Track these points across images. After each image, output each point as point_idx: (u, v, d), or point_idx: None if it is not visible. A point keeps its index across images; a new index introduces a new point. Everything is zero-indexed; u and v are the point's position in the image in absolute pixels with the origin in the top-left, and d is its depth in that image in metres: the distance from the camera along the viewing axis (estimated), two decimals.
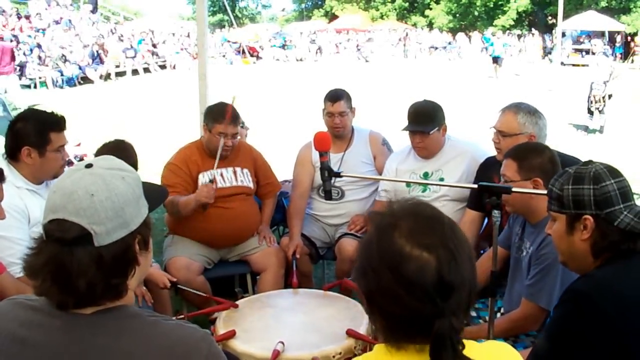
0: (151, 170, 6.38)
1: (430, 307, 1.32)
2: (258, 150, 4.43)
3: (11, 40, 23.96)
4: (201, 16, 5.56)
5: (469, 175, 3.89)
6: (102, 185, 1.48)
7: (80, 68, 24.94)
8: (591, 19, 34.63)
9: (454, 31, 42.67)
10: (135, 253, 1.53)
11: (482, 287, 3.21)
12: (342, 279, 3.81)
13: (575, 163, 2.89)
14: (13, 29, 26.03)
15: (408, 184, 4.07)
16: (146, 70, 29.02)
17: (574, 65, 30.74)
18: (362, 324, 2.86)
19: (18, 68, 22.73)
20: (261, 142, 4.52)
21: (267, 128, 11.89)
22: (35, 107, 3.35)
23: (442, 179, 3.96)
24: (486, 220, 4.02)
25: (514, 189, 2.61)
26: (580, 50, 33.90)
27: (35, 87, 22.54)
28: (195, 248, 4.08)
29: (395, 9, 50.98)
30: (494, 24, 41.60)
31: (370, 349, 1.52)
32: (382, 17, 50.45)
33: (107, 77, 26.08)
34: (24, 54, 23.72)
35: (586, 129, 13.04)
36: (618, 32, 35.44)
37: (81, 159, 9.03)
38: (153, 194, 1.65)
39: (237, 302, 3.26)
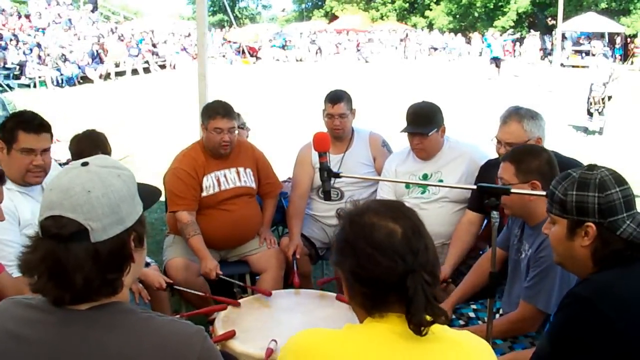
0: (150, 170, 6.39)
1: (402, 265, 1.51)
2: (259, 150, 4.43)
3: (10, 40, 24.01)
4: (201, 16, 5.57)
5: (468, 176, 3.89)
6: (99, 182, 1.50)
7: (79, 67, 24.94)
8: (591, 21, 34.63)
9: (454, 32, 42.66)
10: (131, 249, 1.55)
11: (481, 288, 3.24)
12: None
13: (573, 165, 2.91)
14: (13, 29, 26.02)
15: (407, 185, 4.07)
16: (146, 70, 29.01)
17: (573, 66, 30.76)
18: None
19: (18, 67, 22.80)
20: (261, 142, 4.51)
21: (267, 128, 11.89)
22: (30, 110, 3.29)
23: (441, 181, 3.96)
24: (485, 222, 4.03)
25: (512, 190, 2.61)
26: (580, 52, 33.91)
27: (34, 86, 22.53)
28: None
29: (395, 10, 50.97)
30: (493, 25, 41.57)
31: None
32: (382, 17, 50.44)
33: (107, 76, 26.07)
34: (24, 53, 23.72)
35: (586, 130, 13.06)
36: (618, 34, 35.47)
37: None
38: (147, 193, 1.68)
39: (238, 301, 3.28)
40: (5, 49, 23.45)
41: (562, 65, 29.06)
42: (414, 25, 47.62)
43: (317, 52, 38.39)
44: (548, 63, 32.14)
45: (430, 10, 47.90)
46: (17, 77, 22.75)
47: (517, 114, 3.44)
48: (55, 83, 22.97)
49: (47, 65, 23.60)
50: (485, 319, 2.81)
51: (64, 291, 1.47)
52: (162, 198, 4.11)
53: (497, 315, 3.13)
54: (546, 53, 36.06)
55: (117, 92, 21.81)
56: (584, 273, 2.03)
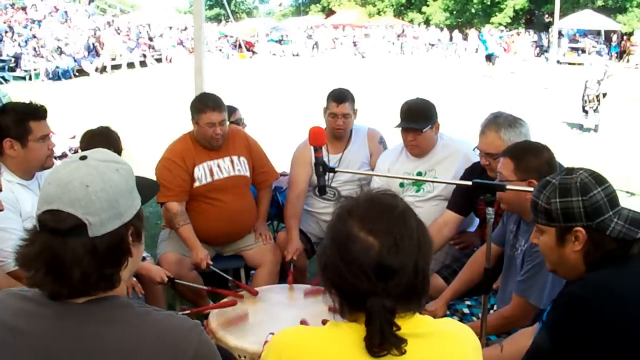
0: (146, 164, 6.36)
1: (366, 285, 1.45)
2: (253, 138, 4.39)
3: (6, 32, 23.91)
4: (198, 10, 5.55)
5: (462, 174, 3.88)
6: (97, 176, 1.50)
7: (75, 60, 24.86)
8: (587, 18, 34.67)
9: (450, 28, 42.66)
10: (129, 244, 1.55)
11: (475, 284, 3.24)
12: None
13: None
14: (9, 21, 25.90)
15: (402, 184, 4.06)
16: (142, 63, 28.95)
17: (570, 63, 30.78)
18: None
19: (13, 59, 22.72)
20: (257, 137, 4.49)
21: (263, 123, 11.86)
22: (12, 101, 3.31)
23: (436, 178, 3.94)
24: (477, 220, 4.02)
25: (508, 187, 2.61)
26: (577, 49, 33.97)
27: (30, 79, 22.47)
28: None
29: (392, 5, 50.98)
30: (490, 21, 41.60)
31: None
32: (379, 13, 50.45)
33: (103, 70, 26.01)
34: (19, 45, 23.64)
35: (581, 127, 13.09)
36: (614, 32, 35.53)
37: (76, 152, 9.00)
38: (145, 187, 1.67)
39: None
40: (0, 40, 23.37)
41: (558, 62, 29.06)
42: (411, 21, 47.68)
43: (313, 47, 38.42)
44: (544, 60, 32.16)
45: (427, 6, 47.92)
46: (12, 70, 22.70)
47: (494, 124, 3.38)
48: (50, 76, 22.88)
49: (42, 57, 23.51)
50: (480, 314, 2.82)
51: (61, 286, 1.47)
52: None
53: (491, 312, 3.14)
54: (542, 50, 36.08)
55: (113, 85, 21.76)
56: (578, 277, 2.02)
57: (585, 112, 13.00)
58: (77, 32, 27.22)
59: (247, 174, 4.21)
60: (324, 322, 2.34)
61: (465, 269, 3.39)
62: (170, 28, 34.70)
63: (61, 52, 24.53)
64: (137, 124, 12.77)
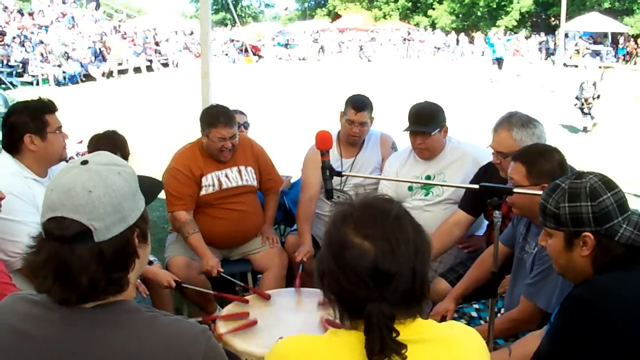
0: (153, 168, 6.38)
1: (363, 291, 1.44)
2: (259, 145, 4.39)
3: (14, 38, 24.03)
4: (204, 14, 5.56)
5: (471, 177, 3.86)
6: (100, 181, 1.49)
7: (82, 65, 24.96)
8: (594, 20, 34.60)
9: (456, 31, 42.63)
10: (135, 246, 1.55)
11: (483, 285, 3.23)
12: None
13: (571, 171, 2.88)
14: (20, 27, 26.04)
15: (410, 187, 4.04)
16: (149, 68, 29.04)
17: (576, 66, 30.72)
18: None
19: (21, 65, 22.83)
20: (263, 141, 4.49)
21: (270, 127, 11.88)
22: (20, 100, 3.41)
23: (444, 182, 3.92)
24: (485, 224, 4.01)
25: (515, 190, 2.60)
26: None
27: (37, 84, 22.57)
28: None
29: (398, 9, 50.96)
30: (496, 24, 41.55)
31: None
32: (384, 16, 50.44)
33: (110, 74, 26.10)
34: (27, 50, 23.75)
35: (585, 129, 13.07)
36: (621, 34, 35.43)
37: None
38: (148, 187, 1.67)
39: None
40: (8, 46, 23.49)
41: (564, 65, 29.01)
42: (417, 25, 47.63)
43: (319, 51, 38.41)
44: (551, 63, 32.09)
45: (433, 9, 47.89)
46: (20, 75, 22.83)
47: (507, 122, 3.37)
48: (57, 81, 22.97)
49: (49, 63, 23.61)
50: (488, 318, 2.81)
51: (70, 292, 1.46)
52: (164, 196, 4.12)
53: (499, 315, 3.13)
54: (549, 53, 36.02)
55: (120, 90, 21.84)
56: (585, 280, 2.01)
57: (585, 114, 13.09)
58: (84, 38, 27.32)
59: (255, 183, 4.22)
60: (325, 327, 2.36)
61: (473, 268, 3.38)
62: (177, 33, 34.78)
63: (68, 58, 24.63)
64: (144, 128, 12.81)
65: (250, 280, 4.31)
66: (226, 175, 4.10)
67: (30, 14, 29.01)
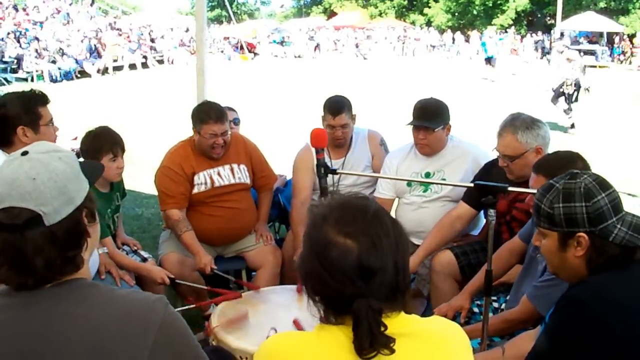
0: (148, 165, 6.37)
1: (350, 288, 1.46)
2: (252, 142, 4.38)
3: (8, 33, 23.94)
4: (200, 11, 5.55)
5: (471, 176, 3.85)
6: (42, 168, 1.53)
7: (77, 62, 24.90)
8: (590, 20, 34.70)
9: (452, 30, 42.66)
10: (85, 225, 1.60)
11: (498, 279, 3.22)
12: None
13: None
14: (19, 23, 25.94)
15: (409, 183, 4.06)
16: (144, 65, 28.98)
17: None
18: None
19: (15, 61, 22.75)
20: (258, 138, 4.49)
21: (265, 124, 11.88)
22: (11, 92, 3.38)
23: (444, 180, 3.94)
24: (482, 223, 4.01)
25: (510, 188, 2.61)
26: (579, 51, 33.91)
27: (32, 80, 22.47)
28: None
29: (394, 7, 51.02)
30: (492, 23, 41.60)
31: None
32: (380, 14, 50.48)
33: (105, 71, 26.03)
34: (21, 46, 23.67)
35: (573, 126, 13.17)
36: (616, 33, 35.52)
37: (77, 153, 9.00)
38: (89, 169, 1.71)
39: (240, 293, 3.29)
40: (2, 42, 23.40)
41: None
42: (413, 23, 47.67)
43: (315, 49, 38.40)
44: (546, 62, 32.14)
45: (429, 7, 47.97)
46: (14, 71, 22.72)
47: (511, 126, 3.39)
48: (52, 77, 22.90)
49: (44, 59, 23.54)
50: (490, 315, 2.81)
51: (26, 277, 1.51)
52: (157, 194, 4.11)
53: (499, 310, 3.13)
54: (544, 52, 36.07)
55: (115, 86, 21.78)
56: (580, 281, 2.01)
57: (568, 110, 13.23)
58: (79, 34, 27.23)
59: (248, 181, 4.21)
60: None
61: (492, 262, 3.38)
62: (172, 29, 34.72)
63: (63, 54, 24.55)
64: (139, 125, 12.78)
65: (244, 278, 4.31)
66: (218, 174, 4.09)
67: (25, 10, 28.89)
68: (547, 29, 39.88)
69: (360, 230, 1.49)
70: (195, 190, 4.05)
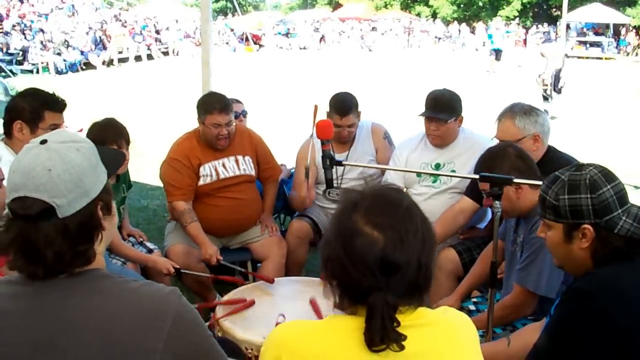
0: (153, 156, 6.39)
1: (370, 280, 1.44)
2: (257, 134, 4.39)
3: (14, 26, 23.96)
4: (205, 3, 5.54)
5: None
6: (58, 159, 1.53)
7: (82, 54, 24.90)
8: (596, 11, 34.52)
9: (457, 21, 42.50)
10: (99, 218, 1.59)
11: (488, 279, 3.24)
12: None
13: (567, 161, 2.89)
14: (24, 15, 25.94)
15: (419, 174, 4.06)
16: (149, 56, 28.97)
17: (578, 57, 30.62)
18: None
19: (21, 52, 22.77)
20: (262, 129, 4.48)
21: (269, 116, 11.88)
22: (38, 88, 3.38)
23: (453, 171, 3.94)
24: (488, 217, 4.01)
25: (515, 180, 2.61)
26: (585, 43, 33.81)
27: (37, 72, 22.50)
28: None
29: None
30: (498, 14, 41.43)
31: None
32: (385, 6, 50.28)
33: (110, 63, 26.03)
34: (27, 38, 23.68)
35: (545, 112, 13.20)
36: (623, 25, 35.33)
37: None
38: (110, 158, 1.71)
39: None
40: (8, 34, 23.42)
41: (566, 56, 28.85)
42: (418, 15, 47.49)
43: (320, 40, 38.31)
44: None
45: None
46: (20, 63, 22.74)
47: (510, 112, 3.44)
48: (58, 69, 22.92)
49: (49, 51, 23.55)
50: (485, 310, 2.82)
51: (36, 267, 1.51)
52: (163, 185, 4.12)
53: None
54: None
55: (121, 78, 21.80)
56: (585, 273, 2.01)
57: (546, 99, 13.52)
58: (84, 26, 27.23)
59: (253, 172, 4.22)
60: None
61: (478, 263, 3.41)
62: (177, 21, 34.68)
63: (68, 46, 24.55)
64: (145, 117, 12.80)
65: (250, 269, 4.31)
66: (223, 165, 4.10)
67: (30, 2, 28.88)
68: (553, 21, 39.69)
69: (389, 223, 1.48)
70: (200, 182, 4.06)
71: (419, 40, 39.31)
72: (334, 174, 3.12)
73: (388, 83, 19.20)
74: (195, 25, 33.29)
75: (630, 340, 1.81)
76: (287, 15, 49.22)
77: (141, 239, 4.13)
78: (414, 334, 1.45)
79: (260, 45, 35.90)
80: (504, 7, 43.49)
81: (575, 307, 1.91)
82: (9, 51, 22.61)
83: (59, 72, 22.80)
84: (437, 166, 4.01)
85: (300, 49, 36.53)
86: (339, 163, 3.12)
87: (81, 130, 9.69)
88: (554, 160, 3.31)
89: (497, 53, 24.00)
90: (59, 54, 23.69)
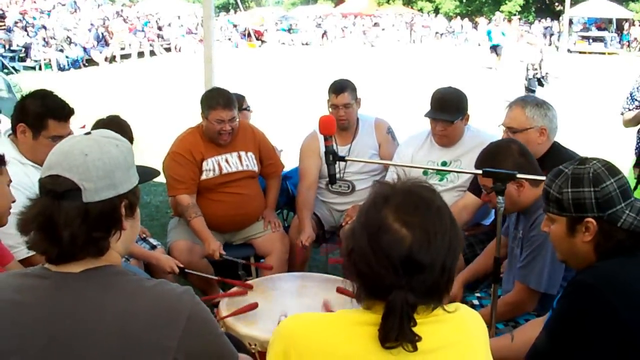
0: (156, 153, 6.38)
1: (392, 277, 1.43)
2: (260, 130, 4.40)
3: (16, 22, 23.97)
4: None
5: None
6: (96, 147, 1.60)
7: (85, 50, 24.91)
8: (599, 6, 34.44)
9: (460, 17, 42.43)
10: (121, 215, 1.62)
11: (491, 271, 3.24)
12: None
13: (572, 157, 2.88)
14: (23, 12, 25.94)
15: (425, 171, 4.04)
16: (151, 52, 28.97)
17: (580, 52, 30.56)
18: None
19: (23, 49, 22.79)
20: (265, 126, 4.48)
21: (272, 112, 11.87)
22: (52, 91, 3.32)
23: (460, 169, 3.92)
24: (493, 213, 4.00)
25: (518, 175, 2.60)
26: (587, 38, 33.72)
27: (40, 69, 22.53)
28: None
29: None
30: (500, 9, 41.34)
31: None
32: (388, 1, 50.21)
33: (112, 59, 26.05)
34: (29, 35, 23.69)
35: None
36: (626, 20, 35.24)
37: None
38: (145, 171, 1.80)
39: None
40: (10, 31, 23.44)
41: (569, 51, 28.86)
42: (420, 10, 47.42)
43: (322, 36, 38.27)
44: (555, 49, 31.94)
45: None
46: (22, 60, 22.77)
47: (522, 101, 3.42)
48: (60, 66, 22.93)
49: (52, 47, 23.56)
50: (489, 306, 2.82)
51: (52, 246, 1.55)
52: (165, 180, 4.12)
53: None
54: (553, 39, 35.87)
55: (123, 75, 21.80)
56: (588, 267, 2.01)
57: (531, 90, 13.96)
58: (86, 22, 27.23)
59: (255, 168, 4.23)
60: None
61: (482, 256, 3.41)
62: (179, 17, 34.66)
63: (70, 42, 24.56)
64: (147, 113, 12.79)
65: (253, 266, 4.32)
66: (226, 160, 4.11)
67: None
68: (556, 16, 39.59)
69: (419, 222, 1.46)
70: (203, 177, 4.06)
71: (421, 36, 39.24)
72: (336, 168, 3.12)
73: (391, 79, 19.19)
74: (197, 22, 33.26)
75: (632, 333, 1.81)
76: (289, 11, 49.12)
77: (144, 235, 4.14)
78: (425, 330, 1.44)
79: (263, 41, 35.88)
80: (507, 2, 43.39)
81: (577, 300, 1.91)
82: (12, 48, 22.63)
83: (61, 69, 22.81)
84: (444, 164, 3.99)
85: (303, 44, 36.50)
86: (342, 159, 3.12)
87: (84, 127, 9.66)
88: (557, 155, 3.30)
89: (496, 49, 23.87)
90: (61, 50, 23.70)
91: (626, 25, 35.21)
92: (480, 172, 2.74)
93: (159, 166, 4.23)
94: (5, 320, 1.53)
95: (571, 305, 1.93)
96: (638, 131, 4.81)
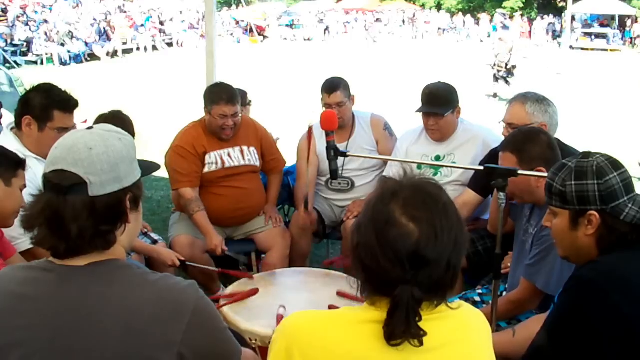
0: (158, 148, 6.39)
1: (398, 272, 1.43)
2: (262, 126, 4.41)
3: (18, 17, 23.96)
4: None
5: (480, 159, 3.84)
6: (101, 141, 1.60)
7: (87, 45, 24.91)
8: (602, 3, 34.32)
9: (462, 12, 42.33)
10: (126, 208, 1.63)
11: (487, 269, 3.24)
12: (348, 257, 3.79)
13: (572, 153, 2.88)
14: (26, 6, 25.93)
15: (419, 166, 4.04)
16: (153, 47, 28.96)
17: (583, 49, 30.51)
18: None
19: (25, 44, 22.80)
20: (267, 121, 4.48)
21: (273, 107, 11.87)
22: (54, 84, 3.33)
23: (454, 163, 3.92)
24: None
25: (519, 172, 2.60)
26: (590, 34, 33.67)
27: (42, 63, 22.55)
28: None
29: None
30: (502, 6, 41.24)
31: None
32: None
33: (114, 54, 26.05)
34: (31, 30, 23.70)
35: (495, 95, 14.91)
36: (629, 16, 35.15)
37: None
38: (146, 165, 1.79)
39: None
40: (12, 25, 23.43)
41: (571, 47, 28.80)
42: (423, 6, 47.28)
43: (325, 32, 38.24)
44: (557, 45, 31.89)
45: None
46: (24, 54, 22.79)
47: (523, 96, 3.42)
48: (62, 60, 22.93)
49: (54, 42, 23.56)
50: (490, 302, 2.82)
51: (59, 241, 1.54)
52: (167, 175, 4.13)
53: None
54: (555, 35, 35.79)
55: (124, 69, 21.81)
56: (588, 261, 2.01)
57: (497, 80, 15.06)
58: (88, 17, 27.21)
59: (257, 163, 4.24)
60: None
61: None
62: (181, 12, 34.64)
63: (72, 37, 24.56)
64: (149, 108, 12.80)
65: (254, 260, 4.33)
66: (229, 155, 4.12)
67: None
68: (559, 12, 39.48)
69: (426, 217, 1.46)
70: (205, 170, 4.07)
71: (423, 32, 39.19)
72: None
73: (393, 75, 19.16)
74: (199, 17, 33.24)
75: (633, 326, 1.81)
76: (291, 7, 49.00)
77: (145, 230, 4.14)
78: (429, 327, 1.44)
79: (265, 37, 35.86)
80: None
81: (578, 295, 1.90)
82: (14, 42, 22.65)
83: (63, 64, 22.84)
84: (437, 158, 4.01)
85: (305, 40, 36.47)
86: (344, 154, 3.12)
87: (85, 122, 9.67)
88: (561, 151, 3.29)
89: None
90: (63, 45, 23.70)
91: (629, 22, 35.11)
92: (479, 167, 2.74)
93: (160, 161, 4.25)
94: (10, 313, 1.54)
95: (571, 300, 1.92)
96: None
